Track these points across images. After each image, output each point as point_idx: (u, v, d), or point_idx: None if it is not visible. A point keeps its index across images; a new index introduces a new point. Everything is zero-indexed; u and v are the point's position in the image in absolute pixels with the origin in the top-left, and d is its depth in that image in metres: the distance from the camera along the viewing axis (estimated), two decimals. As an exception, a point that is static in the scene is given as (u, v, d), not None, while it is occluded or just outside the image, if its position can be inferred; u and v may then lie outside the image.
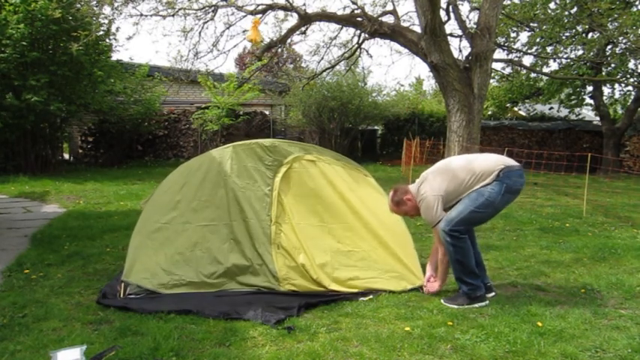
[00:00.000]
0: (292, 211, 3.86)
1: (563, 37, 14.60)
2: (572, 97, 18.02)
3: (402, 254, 3.90)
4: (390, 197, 3.70)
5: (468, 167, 3.54)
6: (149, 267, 3.65)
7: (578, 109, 18.87)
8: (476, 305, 3.45)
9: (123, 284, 3.58)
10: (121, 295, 3.50)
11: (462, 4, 20.02)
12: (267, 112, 18.55)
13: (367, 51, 15.36)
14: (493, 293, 3.69)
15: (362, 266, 3.81)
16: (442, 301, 3.52)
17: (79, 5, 10.74)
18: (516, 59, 16.25)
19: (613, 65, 14.80)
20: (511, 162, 3.56)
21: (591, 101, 17.29)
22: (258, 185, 3.91)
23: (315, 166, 4.04)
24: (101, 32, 11.49)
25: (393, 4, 12.49)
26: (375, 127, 19.04)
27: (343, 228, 3.94)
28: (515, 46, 15.57)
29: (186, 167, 4.06)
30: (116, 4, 10.02)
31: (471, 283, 3.49)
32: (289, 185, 3.96)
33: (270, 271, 3.68)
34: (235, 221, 3.83)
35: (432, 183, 3.55)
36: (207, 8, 11.16)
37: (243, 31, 12.15)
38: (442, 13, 11.12)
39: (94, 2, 10.51)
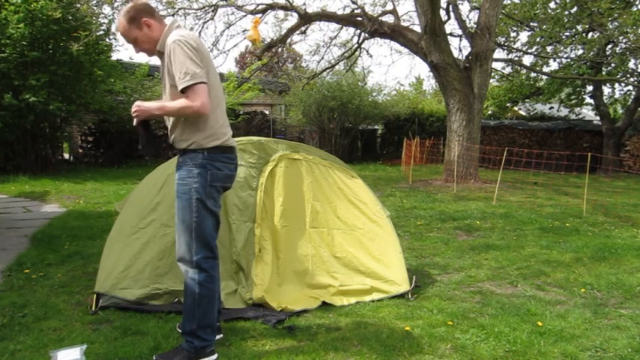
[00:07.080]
0: (276, 213, 3.61)
1: (564, 37, 14.61)
2: (572, 96, 18.04)
3: (387, 260, 3.71)
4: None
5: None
6: (127, 276, 3.32)
7: (579, 108, 18.91)
8: None
9: (95, 296, 3.29)
10: (93, 308, 3.24)
11: (462, 4, 20.08)
12: (267, 112, 18.58)
13: (367, 51, 15.48)
14: (221, 335, 2.88)
15: (345, 272, 3.65)
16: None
17: (78, 5, 10.76)
18: (516, 59, 16.28)
19: (613, 65, 14.81)
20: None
21: (591, 101, 17.30)
22: (241, 184, 3.54)
23: (302, 165, 3.78)
24: (101, 32, 11.50)
25: (393, 4, 12.55)
26: (375, 127, 19.05)
27: (328, 232, 3.74)
28: (515, 46, 15.60)
29: (167, 166, 3.59)
30: (116, 4, 10.05)
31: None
32: (274, 185, 3.64)
33: (248, 283, 3.43)
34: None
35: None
36: (207, 8, 11.17)
37: (243, 31, 12.18)
38: (442, 13, 11.16)
39: (94, 2, 10.54)
